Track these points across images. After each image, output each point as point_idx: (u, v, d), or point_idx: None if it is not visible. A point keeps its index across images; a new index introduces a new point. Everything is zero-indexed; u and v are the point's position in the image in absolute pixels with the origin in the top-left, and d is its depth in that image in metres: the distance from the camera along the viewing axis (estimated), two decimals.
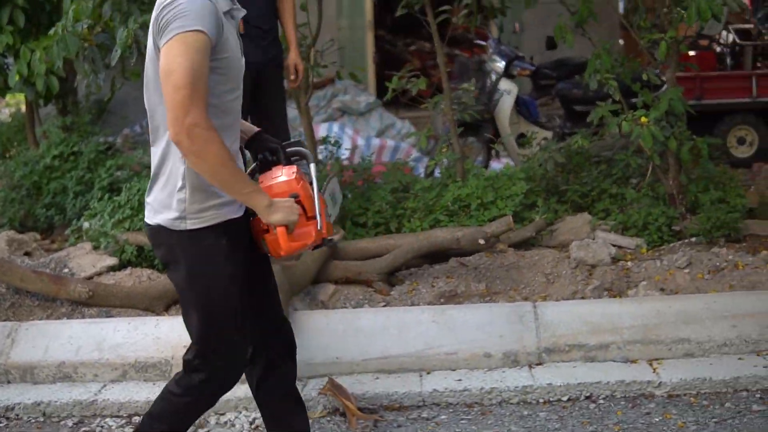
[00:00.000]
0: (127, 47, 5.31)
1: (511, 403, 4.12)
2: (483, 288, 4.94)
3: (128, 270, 5.45)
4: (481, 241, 4.97)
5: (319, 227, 2.84)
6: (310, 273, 5.04)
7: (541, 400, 4.11)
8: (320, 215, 2.85)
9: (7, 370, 4.52)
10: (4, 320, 4.93)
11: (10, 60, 7.39)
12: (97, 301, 5.06)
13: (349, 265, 5.21)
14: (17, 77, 6.81)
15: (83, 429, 4.16)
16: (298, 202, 2.80)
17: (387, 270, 5.15)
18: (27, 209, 6.87)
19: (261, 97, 5.05)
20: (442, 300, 4.89)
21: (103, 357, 4.54)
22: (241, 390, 3.59)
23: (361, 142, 8.56)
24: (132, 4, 5.36)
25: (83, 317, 4.97)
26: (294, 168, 2.90)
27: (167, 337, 4.60)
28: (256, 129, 3.06)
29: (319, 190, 2.93)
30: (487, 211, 5.47)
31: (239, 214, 2.85)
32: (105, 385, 4.45)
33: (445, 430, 3.92)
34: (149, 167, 2.97)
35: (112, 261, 5.58)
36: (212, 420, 4.14)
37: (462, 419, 4.00)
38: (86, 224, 6.02)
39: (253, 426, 4.07)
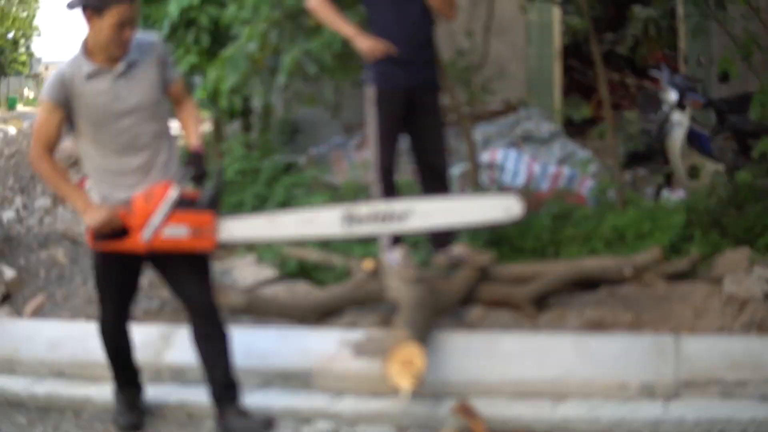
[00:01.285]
0: (289, 73, 5.54)
1: None
2: (630, 318, 4.84)
3: (286, 283, 5.66)
4: (628, 272, 4.88)
5: (144, 238, 3.83)
6: (458, 293, 5.10)
7: None
8: (139, 230, 3.83)
9: (160, 370, 4.77)
10: (167, 323, 5.22)
11: (197, 79, 7.83)
12: (253, 311, 5.28)
13: (499, 288, 5.24)
14: (203, 95, 7.22)
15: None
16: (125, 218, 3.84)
17: (535, 295, 5.14)
18: None
19: (415, 119, 5.13)
20: (587, 328, 4.83)
21: (250, 363, 4.72)
22: None
23: (537, 169, 8.51)
24: (297, 31, 5.58)
25: (239, 324, 5.19)
26: (142, 198, 3.86)
27: (313, 348, 4.75)
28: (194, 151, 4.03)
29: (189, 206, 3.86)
30: (644, 241, 5.37)
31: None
32: (249, 391, 4.63)
33: None
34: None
35: (272, 273, 5.83)
36: None
37: None
38: None
39: None
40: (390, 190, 5.14)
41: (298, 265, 5.92)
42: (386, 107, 5.05)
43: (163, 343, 4.96)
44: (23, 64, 41.36)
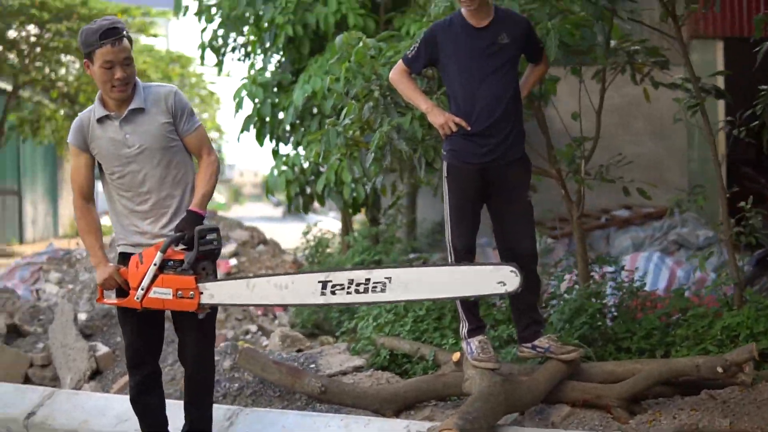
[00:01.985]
0: (378, 149, 5.38)
1: None
2: (727, 424, 4.29)
3: (370, 372, 5.41)
4: (720, 370, 4.36)
5: (137, 298, 4.07)
6: (539, 390, 4.69)
7: None
8: (134, 289, 4.07)
9: None
10: (244, 405, 5.06)
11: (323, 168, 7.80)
12: (330, 398, 5.05)
13: (588, 386, 4.80)
14: (322, 185, 7.16)
15: None
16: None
17: (627, 395, 4.67)
18: (325, 313, 7.09)
19: (494, 198, 4.84)
20: None
21: None
22: None
23: (680, 273, 7.99)
24: (390, 106, 5.44)
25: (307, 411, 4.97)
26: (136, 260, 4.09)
27: None
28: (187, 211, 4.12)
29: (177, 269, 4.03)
30: (756, 342, 4.79)
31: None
32: None
33: None
34: None
35: (360, 362, 5.60)
36: None
37: None
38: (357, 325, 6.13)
39: None
40: None
41: (388, 355, 5.65)
42: (457, 183, 4.80)
43: (226, 423, 4.79)
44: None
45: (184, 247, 4.08)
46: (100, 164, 4.20)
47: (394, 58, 5.55)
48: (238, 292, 4.11)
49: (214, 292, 4.07)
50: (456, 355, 5.00)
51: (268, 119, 8.85)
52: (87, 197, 4.22)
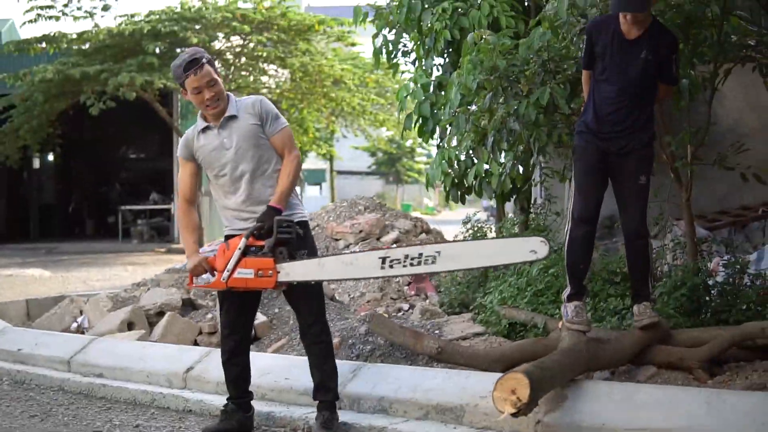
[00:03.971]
0: (496, 131, 6.01)
1: None
2: None
3: (485, 336, 6.02)
4: None
5: (223, 279, 4.85)
6: (623, 352, 5.19)
7: None
8: (221, 272, 4.86)
9: (343, 398, 5.32)
10: (363, 362, 5.81)
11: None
12: (445, 358, 5.68)
13: (673, 350, 5.25)
14: (473, 176, 7.81)
15: None
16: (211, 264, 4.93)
17: (706, 358, 5.11)
18: (471, 293, 7.69)
19: (614, 182, 5.36)
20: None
21: (413, 397, 5.16)
22: None
23: None
24: (508, 94, 6.05)
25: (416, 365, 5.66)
26: (222, 248, 4.92)
27: (472, 388, 5.08)
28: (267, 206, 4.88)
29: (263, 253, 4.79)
30: None
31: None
32: (407, 421, 5.07)
33: None
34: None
35: (479, 329, 6.21)
36: None
37: None
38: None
39: None
40: (582, 239, 5.35)
41: (508, 324, 6.25)
42: (581, 162, 5.36)
43: (350, 375, 5.53)
44: (419, 173, 43.90)
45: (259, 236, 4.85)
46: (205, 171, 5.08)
47: (513, 51, 6.20)
48: (310, 269, 4.88)
49: (290, 271, 4.82)
50: (561, 322, 5.56)
51: (429, 118, 9.52)
52: (190, 201, 5.12)
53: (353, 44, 23.07)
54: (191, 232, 5.08)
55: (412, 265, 4.64)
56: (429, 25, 9.45)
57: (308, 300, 5.03)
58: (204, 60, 4.88)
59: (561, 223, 9.57)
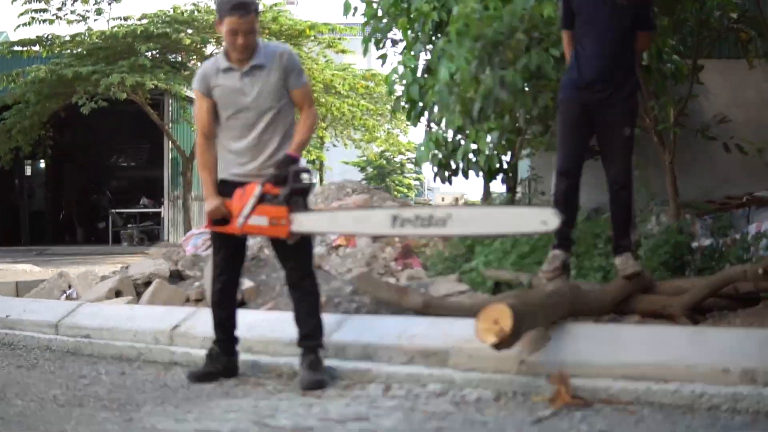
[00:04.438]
0: (483, 98, 6.07)
1: (721, 410, 3.98)
2: None
3: (469, 293, 6.06)
4: (760, 271, 4.80)
5: (238, 225, 4.85)
6: (605, 299, 5.27)
7: (750, 410, 3.92)
8: (236, 218, 4.85)
9: (328, 347, 5.33)
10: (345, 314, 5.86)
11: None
12: (431, 311, 5.73)
13: (656, 299, 5.32)
14: (461, 155, 7.86)
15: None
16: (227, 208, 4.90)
17: (689, 305, 5.17)
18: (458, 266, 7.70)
19: (599, 136, 5.43)
20: None
21: (398, 343, 5.19)
22: None
23: None
24: (494, 62, 6.12)
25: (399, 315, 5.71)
26: (239, 193, 4.88)
27: (457, 333, 5.10)
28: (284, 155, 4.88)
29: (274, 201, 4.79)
30: None
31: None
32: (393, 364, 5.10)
33: (643, 423, 3.93)
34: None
35: (463, 287, 6.25)
36: None
37: (667, 418, 3.97)
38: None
39: None
40: (564, 193, 5.45)
41: (493, 284, 6.29)
42: (564, 115, 5.44)
43: (336, 326, 5.56)
44: (408, 187, 43.89)
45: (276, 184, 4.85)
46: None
47: (498, 19, 6.25)
48: (323, 222, 4.94)
49: (303, 221, 4.83)
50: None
51: (418, 101, 9.58)
52: (208, 136, 5.02)
53: (344, 51, 23.13)
54: (210, 170, 5.02)
55: (422, 225, 4.63)
56: (417, 7, 9.53)
57: (301, 253, 5.05)
58: (253, 7, 4.86)
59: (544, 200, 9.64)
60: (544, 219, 4.49)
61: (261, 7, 19.77)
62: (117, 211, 25.86)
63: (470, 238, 6.47)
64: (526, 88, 6.12)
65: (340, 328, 5.53)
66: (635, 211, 5.62)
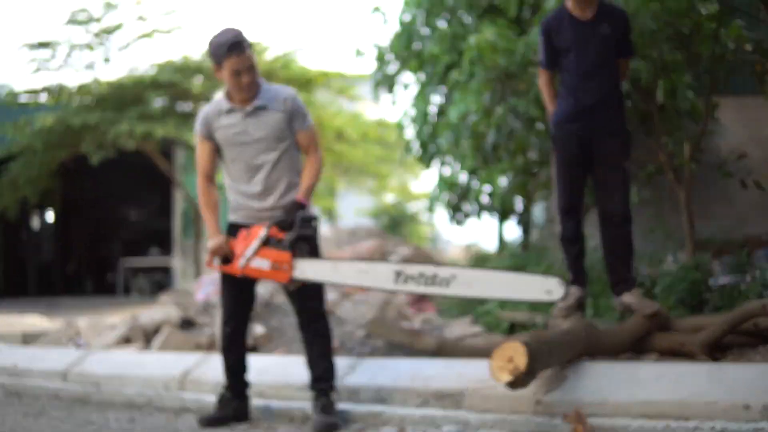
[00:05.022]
0: (497, 129, 6.02)
1: None
2: None
3: (483, 335, 5.97)
4: None
5: (240, 265, 4.82)
6: (622, 338, 5.13)
7: None
8: (238, 259, 4.82)
9: (341, 391, 5.24)
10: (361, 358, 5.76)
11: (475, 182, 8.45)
12: (445, 353, 5.66)
13: (674, 336, 5.19)
14: (473, 197, 7.85)
15: None
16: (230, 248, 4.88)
17: (707, 342, 5.02)
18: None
19: (595, 166, 5.35)
20: None
21: (413, 385, 5.09)
22: None
23: None
24: (506, 92, 6.09)
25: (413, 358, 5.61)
26: (244, 234, 4.86)
27: (471, 374, 5.02)
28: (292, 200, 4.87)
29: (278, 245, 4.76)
30: None
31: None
32: (407, 407, 5.00)
33: None
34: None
35: (477, 329, 6.16)
36: None
37: None
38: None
39: None
40: (569, 230, 5.38)
41: (509, 326, 6.21)
42: (561, 152, 5.37)
43: (349, 370, 5.47)
44: (421, 238, 43.84)
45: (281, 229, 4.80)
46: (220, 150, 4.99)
47: (512, 50, 6.24)
48: (324, 271, 4.84)
49: (305, 269, 4.78)
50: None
51: (429, 143, 9.56)
52: (209, 178, 5.02)
53: (355, 98, 23.13)
54: (212, 210, 5.01)
55: (426, 284, 4.57)
56: (428, 51, 9.54)
57: (314, 296, 4.99)
58: (246, 44, 4.82)
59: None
60: (548, 288, 4.44)
61: (272, 56, 20.00)
62: (127, 265, 25.80)
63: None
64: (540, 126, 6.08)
65: (353, 371, 5.44)
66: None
